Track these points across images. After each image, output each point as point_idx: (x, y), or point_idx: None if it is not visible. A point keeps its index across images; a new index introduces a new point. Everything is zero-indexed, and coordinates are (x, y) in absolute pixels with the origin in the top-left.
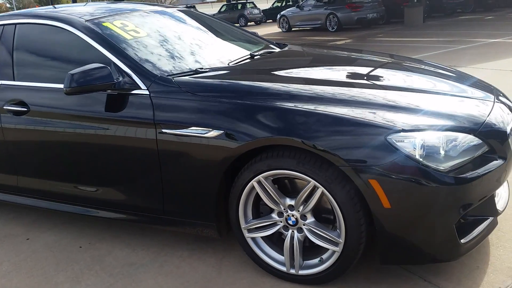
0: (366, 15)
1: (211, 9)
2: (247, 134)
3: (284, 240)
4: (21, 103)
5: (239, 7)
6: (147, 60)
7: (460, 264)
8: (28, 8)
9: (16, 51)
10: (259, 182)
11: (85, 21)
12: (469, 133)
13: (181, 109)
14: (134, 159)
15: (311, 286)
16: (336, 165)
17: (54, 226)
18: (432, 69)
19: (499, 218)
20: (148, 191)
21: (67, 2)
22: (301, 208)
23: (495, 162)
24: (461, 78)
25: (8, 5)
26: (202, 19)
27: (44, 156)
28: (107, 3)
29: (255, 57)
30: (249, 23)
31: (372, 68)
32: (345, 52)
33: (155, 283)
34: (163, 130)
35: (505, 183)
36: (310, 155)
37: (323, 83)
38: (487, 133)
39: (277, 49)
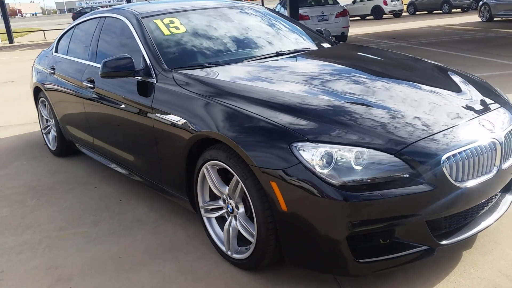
0: None
1: None
2: (197, 125)
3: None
4: (91, 81)
5: None
6: (169, 53)
7: None
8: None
9: (98, 39)
10: (207, 169)
11: (141, 17)
12: (386, 152)
13: (168, 98)
14: (144, 136)
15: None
16: (247, 163)
17: (119, 181)
18: (430, 76)
19: None
20: (153, 162)
21: None
22: (233, 198)
23: (416, 187)
24: (461, 89)
25: None
26: (262, 15)
27: (102, 124)
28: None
29: (279, 56)
30: (453, 10)
31: (360, 77)
32: (374, 59)
33: (139, 238)
34: (156, 115)
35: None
36: (235, 151)
37: (288, 87)
38: (414, 155)
39: (314, 49)
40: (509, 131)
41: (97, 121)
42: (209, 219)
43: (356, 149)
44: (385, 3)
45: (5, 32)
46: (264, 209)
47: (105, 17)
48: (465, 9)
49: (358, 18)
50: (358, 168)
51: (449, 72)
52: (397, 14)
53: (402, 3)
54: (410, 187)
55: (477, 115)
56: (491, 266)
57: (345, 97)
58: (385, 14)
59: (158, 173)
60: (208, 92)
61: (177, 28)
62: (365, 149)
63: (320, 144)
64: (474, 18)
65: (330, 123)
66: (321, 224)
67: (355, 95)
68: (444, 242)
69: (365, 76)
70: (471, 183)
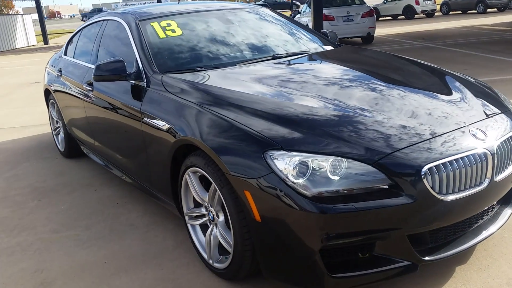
0: None
1: None
2: (180, 131)
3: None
4: (90, 84)
5: None
6: (161, 57)
7: None
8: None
9: (99, 42)
10: (189, 175)
11: (139, 20)
12: (363, 162)
13: (155, 102)
14: (134, 140)
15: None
16: (223, 171)
17: (119, 184)
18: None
19: None
20: (143, 166)
21: None
22: (213, 206)
23: (395, 199)
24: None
25: None
26: (265, 17)
27: (100, 126)
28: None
29: (275, 59)
30: (489, 10)
31: (348, 85)
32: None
33: (128, 243)
34: (145, 119)
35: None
36: (212, 158)
37: (269, 92)
38: (394, 166)
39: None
40: (506, 140)
41: (96, 124)
42: (193, 226)
43: (332, 158)
44: (417, 3)
45: (41, 34)
46: (239, 219)
47: (107, 20)
48: (502, 9)
49: (390, 18)
50: (335, 178)
51: (446, 77)
52: (429, 14)
53: (435, 2)
54: (388, 200)
55: (468, 123)
56: (484, 284)
57: (324, 104)
58: (417, 14)
59: (148, 177)
60: (191, 97)
61: (173, 31)
62: (342, 159)
63: (294, 153)
64: (510, 18)
65: (307, 130)
66: (294, 236)
67: (336, 101)
68: (428, 258)
69: (350, 81)
70: (457, 196)
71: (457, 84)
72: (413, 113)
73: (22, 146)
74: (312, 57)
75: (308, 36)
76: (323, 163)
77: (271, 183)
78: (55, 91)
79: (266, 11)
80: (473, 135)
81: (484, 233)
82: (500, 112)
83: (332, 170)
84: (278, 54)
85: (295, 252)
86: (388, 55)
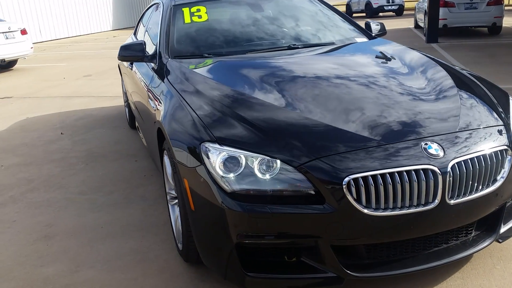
0: None
1: None
2: (158, 115)
3: None
4: (131, 62)
5: None
6: (178, 41)
7: None
8: None
9: (147, 23)
10: (166, 157)
11: (173, 4)
12: (288, 165)
13: (155, 84)
14: (146, 118)
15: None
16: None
17: None
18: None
19: None
20: (149, 144)
21: None
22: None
23: (314, 207)
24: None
25: None
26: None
27: (134, 102)
28: None
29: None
30: None
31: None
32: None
33: (130, 213)
34: (148, 99)
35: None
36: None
37: (238, 84)
38: (317, 172)
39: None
40: (473, 159)
41: (132, 100)
42: (172, 206)
43: (260, 157)
44: None
45: None
46: (183, 205)
47: (157, 4)
48: None
49: None
50: (261, 177)
51: (447, 79)
52: None
53: None
54: (307, 206)
55: (429, 135)
56: None
57: (273, 102)
58: None
59: (153, 156)
60: (175, 82)
61: (200, 17)
62: (270, 159)
63: (225, 147)
64: None
65: (247, 127)
66: (216, 229)
67: (288, 101)
68: (356, 274)
69: (317, 81)
70: (390, 213)
71: (451, 88)
72: (368, 119)
73: (105, 113)
74: (328, 51)
75: (340, 27)
76: (251, 161)
77: (201, 174)
78: (120, 65)
79: None
80: (425, 149)
81: (445, 259)
82: (479, 127)
83: (259, 169)
84: (295, 44)
85: (218, 245)
86: (405, 51)
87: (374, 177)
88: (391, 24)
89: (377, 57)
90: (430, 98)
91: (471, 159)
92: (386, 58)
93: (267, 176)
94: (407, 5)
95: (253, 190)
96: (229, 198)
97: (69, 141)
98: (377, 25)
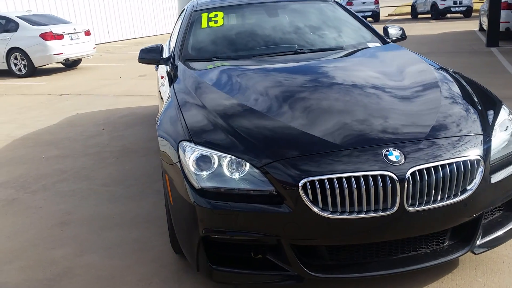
0: None
1: None
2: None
3: None
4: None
5: None
6: (193, 45)
7: None
8: None
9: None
10: None
11: (194, 10)
12: (253, 165)
13: (165, 85)
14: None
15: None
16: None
17: None
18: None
19: None
20: None
21: None
22: None
23: (273, 207)
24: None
25: None
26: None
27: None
28: None
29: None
30: None
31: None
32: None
33: (142, 205)
34: (160, 95)
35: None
36: None
37: (227, 87)
38: (277, 174)
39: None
40: (436, 168)
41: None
42: None
43: (229, 157)
44: None
45: None
46: (166, 199)
47: (185, 8)
48: None
49: None
50: (230, 176)
51: (431, 85)
52: None
53: None
54: (267, 206)
55: (393, 141)
56: None
57: (253, 105)
58: None
59: None
60: (176, 83)
61: (216, 22)
62: (239, 160)
63: (199, 147)
64: None
65: (225, 129)
66: (188, 223)
67: (265, 103)
68: (316, 274)
69: (302, 86)
70: (346, 217)
71: (435, 95)
72: (337, 124)
73: (147, 112)
74: (322, 56)
75: (355, 32)
76: (222, 161)
77: (177, 171)
78: None
79: (330, 4)
80: (386, 155)
81: (411, 266)
82: (451, 136)
83: (229, 169)
84: (302, 49)
85: (190, 238)
86: (405, 55)
87: (330, 180)
88: (456, 26)
89: (372, 63)
90: (408, 104)
91: (435, 167)
92: (381, 64)
93: (236, 176)
94: (476, 6)
95: (222, 188)
96: (197, 194)
97: (107, 137)
98: (396, 30)
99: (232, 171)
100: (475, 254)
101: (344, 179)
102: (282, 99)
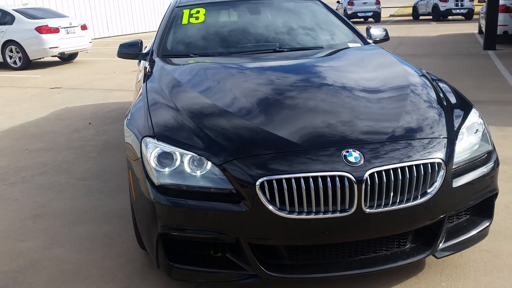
0: None
1: None
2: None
3: None
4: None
5: None
6: (171, 41)
7: None
8: None
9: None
10: None
11: (176, 6)
12: (212, 163)
13: (140, 80)
14: None
15: None
16: None
17: None
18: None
19: None
20: None
21: None
22: None
23: (231, 205)
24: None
25: None
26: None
27: None
28: None
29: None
30: None
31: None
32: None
33: (115, 201)
34: (136, 91)
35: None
36: None
37: (197, 84)
38: (235, 172)
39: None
40: (395, 170)
41: None
42: None
43: (190, 155)
44: None
45: None
46: (130, 194)
47: (170, 4)
48: None
49: None
50: (190, 173)
51: (400, 86)
52: None
53: None
54: (225, 204)
55: (352, 142)
56: None
57: (222, 103)
58: None
59: None
60: (149, 79)
61: (197, 18)
62: (200, 157)
63: (161, 143)
64: None
65: (190, 126)
66: (149, 220)
67: (234, 100)
68: (274, 274)
69: (272, 84)
70: (303, 217)
71: (403, 96)
72: (300, 124)
73: None
74: (297, 55)
75: (337, 32)
76: (183, 158)
77: (139, 167)
78: None
79: (314, 3)
80: (345, 156)
81: (370, 268)
82: (413, 138)
83: (190, 166)
84: (281, 47)
85: (150, 235)
86: (379, 54)
87: (288, 180)
88: (456, 28)
89: (347, 64)
90: (374, 106)
91: (394, 169)
92: (355, 65)
93: (198, 173)
94: (477, 9)
95: (183, 186)
96: (156, 191)
97: (93, 131)
98: (379, 30)
99: (193, 168)
100: (436, 258)
101: (302, 179)
102: (252, 98)
